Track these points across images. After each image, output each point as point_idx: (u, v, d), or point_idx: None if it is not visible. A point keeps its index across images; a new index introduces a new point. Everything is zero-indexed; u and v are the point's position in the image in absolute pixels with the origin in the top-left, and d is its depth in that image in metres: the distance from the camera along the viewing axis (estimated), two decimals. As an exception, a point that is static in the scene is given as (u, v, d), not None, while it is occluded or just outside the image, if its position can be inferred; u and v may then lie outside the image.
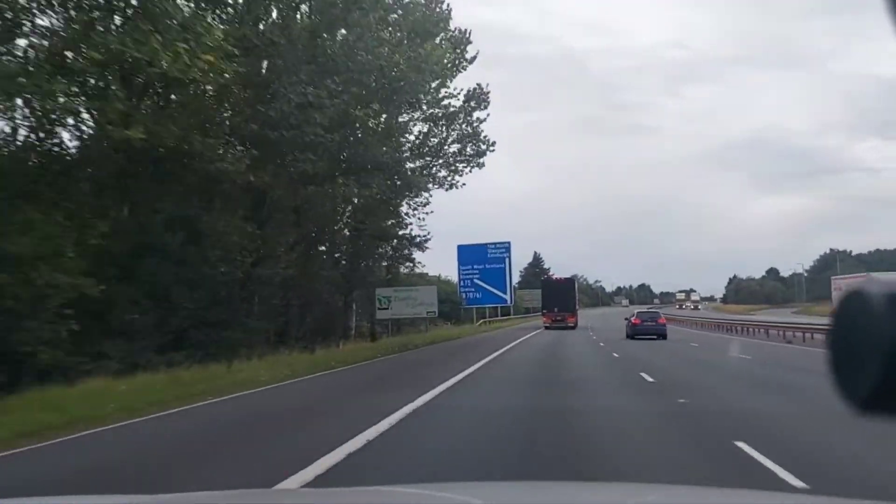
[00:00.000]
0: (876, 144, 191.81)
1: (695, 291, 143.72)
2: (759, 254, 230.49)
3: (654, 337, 35.31)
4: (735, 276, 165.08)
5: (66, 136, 20.07)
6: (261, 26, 21.94)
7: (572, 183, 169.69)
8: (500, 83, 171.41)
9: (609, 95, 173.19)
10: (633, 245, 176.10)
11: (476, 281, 55.11)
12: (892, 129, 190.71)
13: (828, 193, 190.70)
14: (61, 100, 15.79)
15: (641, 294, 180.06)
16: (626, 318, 41.18)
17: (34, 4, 15.88)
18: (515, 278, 77.84)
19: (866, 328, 0.78)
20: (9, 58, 15.44)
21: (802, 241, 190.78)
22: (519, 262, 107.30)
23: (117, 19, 17.08)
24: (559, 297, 57.63)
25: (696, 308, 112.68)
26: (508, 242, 57.02)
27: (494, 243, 56.18)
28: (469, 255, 55.35)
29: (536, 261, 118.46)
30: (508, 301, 60.21)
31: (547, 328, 53.87)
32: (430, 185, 36.86)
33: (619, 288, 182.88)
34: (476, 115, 36.35)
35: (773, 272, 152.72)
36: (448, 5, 33.50)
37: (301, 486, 5.84)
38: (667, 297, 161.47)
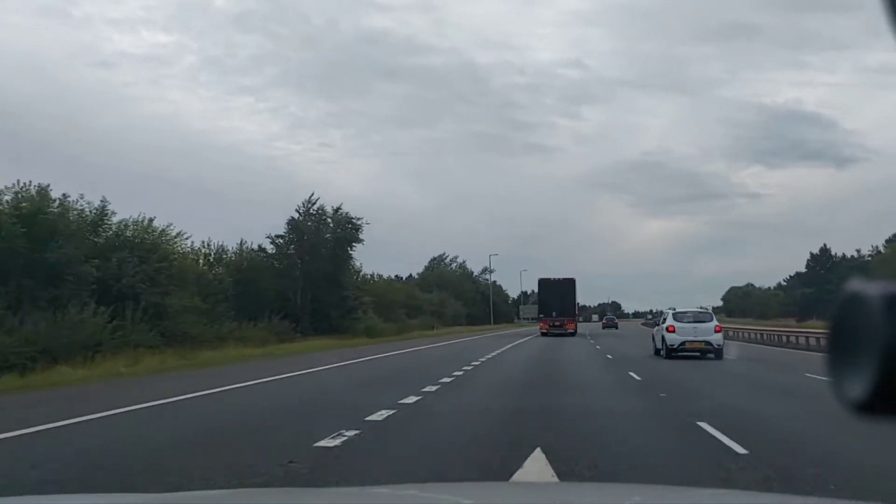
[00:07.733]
0: (758, 171, 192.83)
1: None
2: (654, 272, 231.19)
3: (614, 328, 74.07)
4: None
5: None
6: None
7: (472, 201, 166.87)
8: (399, 96, 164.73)
9: (509, 113, 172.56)
10: (535, 263, 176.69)
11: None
12: (773, 157, 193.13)
13: (711, 218, 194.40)
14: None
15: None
16: (601, 322, 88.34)
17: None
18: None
19: (864, 330, 0.79)
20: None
21: (687, 263, 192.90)
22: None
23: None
24: (558, 301, 49.14)
25: None
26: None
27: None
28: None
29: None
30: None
31: (543, 334, 47.69)
32: None
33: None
34: None
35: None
36: None
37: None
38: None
